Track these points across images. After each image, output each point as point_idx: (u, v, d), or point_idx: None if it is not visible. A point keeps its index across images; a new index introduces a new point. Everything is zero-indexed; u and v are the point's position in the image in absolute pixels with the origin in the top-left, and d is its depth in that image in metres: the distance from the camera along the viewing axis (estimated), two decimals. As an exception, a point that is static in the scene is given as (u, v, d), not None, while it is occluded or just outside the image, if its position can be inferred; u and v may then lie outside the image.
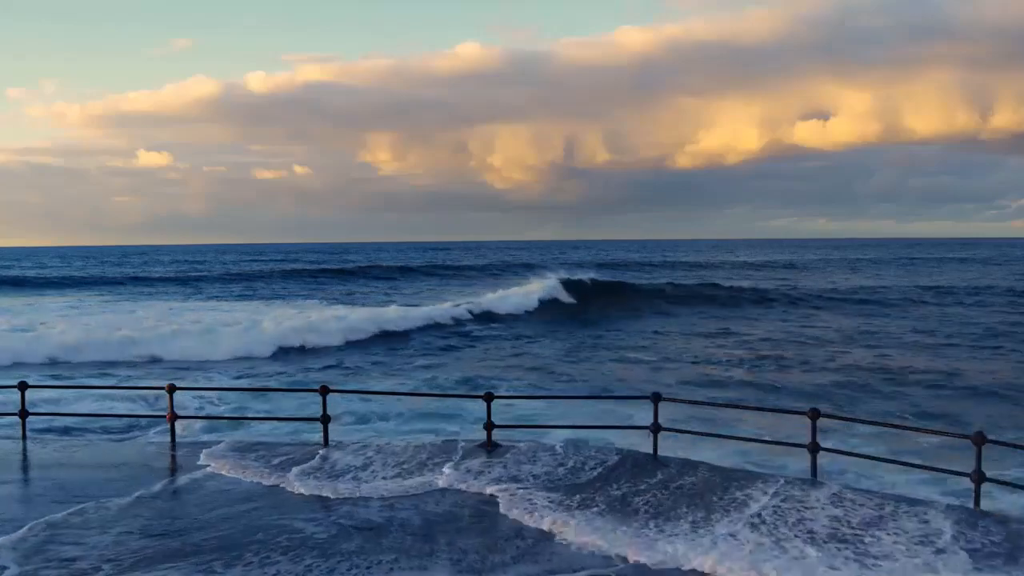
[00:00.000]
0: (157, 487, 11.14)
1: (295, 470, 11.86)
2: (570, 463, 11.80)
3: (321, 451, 12.87)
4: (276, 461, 12.36)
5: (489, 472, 11.47)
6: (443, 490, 10.95)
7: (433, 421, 18.48)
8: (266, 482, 11.44)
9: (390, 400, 19.47)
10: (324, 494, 10.87)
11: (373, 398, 19.65)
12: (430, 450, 12.66)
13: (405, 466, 11.96)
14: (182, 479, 11.61)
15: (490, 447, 12.61)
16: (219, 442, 13.69)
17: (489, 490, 10.75)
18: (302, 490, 11.02)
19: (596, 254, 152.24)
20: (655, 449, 12.22)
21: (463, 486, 10.98)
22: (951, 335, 35.63)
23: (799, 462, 12.54)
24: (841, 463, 13.53)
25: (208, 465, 12.26)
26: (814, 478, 11.03)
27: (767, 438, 14.36)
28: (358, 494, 10.82)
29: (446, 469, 11.61)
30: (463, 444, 12.92)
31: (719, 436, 13.90)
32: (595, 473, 11.38)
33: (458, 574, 8.17)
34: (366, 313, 39.26)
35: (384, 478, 11.47)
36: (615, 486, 10.78)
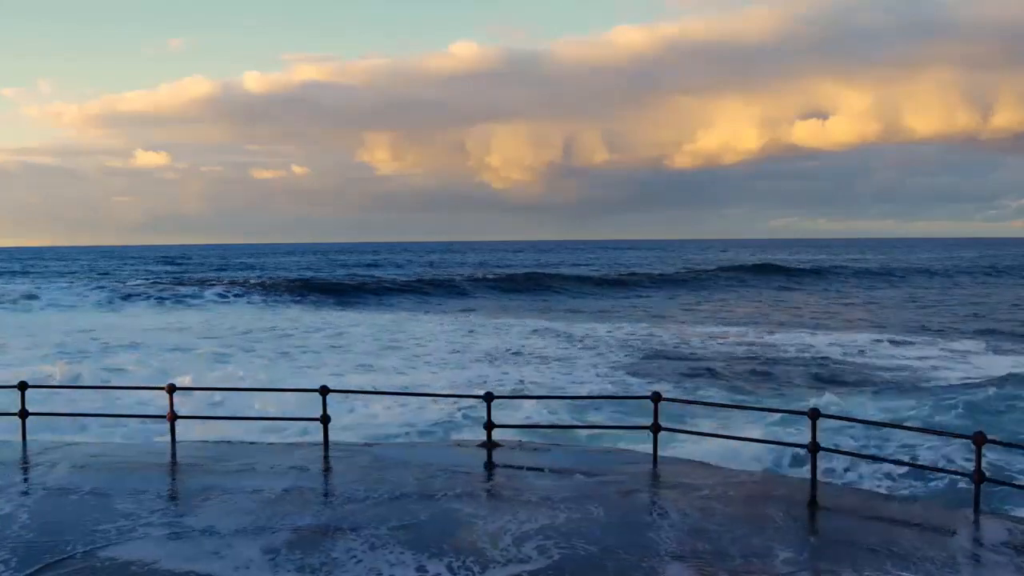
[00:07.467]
0: None
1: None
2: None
3: None
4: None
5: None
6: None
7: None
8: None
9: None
10: None
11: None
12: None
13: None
14: None
15: (491, 447, 12.67)
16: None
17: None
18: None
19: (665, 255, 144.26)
20: (655, 450, 12.19)
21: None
22: None
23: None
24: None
25: None
26: (815, 478, 10.96)
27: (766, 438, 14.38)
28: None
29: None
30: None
31: (718, 436, 13.95)
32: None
33: None
34: None
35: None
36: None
